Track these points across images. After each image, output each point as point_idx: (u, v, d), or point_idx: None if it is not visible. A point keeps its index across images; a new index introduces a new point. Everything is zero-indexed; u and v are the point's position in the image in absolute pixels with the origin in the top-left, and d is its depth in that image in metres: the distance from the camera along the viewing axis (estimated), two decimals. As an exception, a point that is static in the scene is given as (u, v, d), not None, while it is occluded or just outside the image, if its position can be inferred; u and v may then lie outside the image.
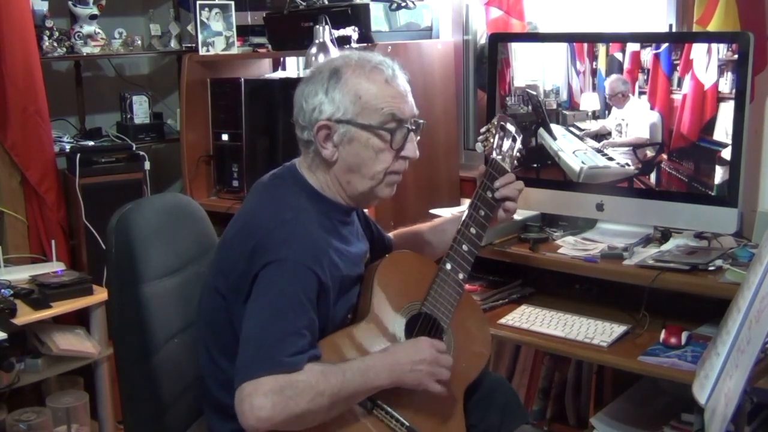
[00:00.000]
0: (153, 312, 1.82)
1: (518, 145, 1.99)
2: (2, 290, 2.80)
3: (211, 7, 3.24)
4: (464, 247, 1.84)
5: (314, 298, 1.62)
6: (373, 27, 2.80)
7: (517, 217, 2.52)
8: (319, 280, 1.63)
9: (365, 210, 1.99)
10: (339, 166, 1.74)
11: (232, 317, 1.68)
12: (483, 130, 1.96)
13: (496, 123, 1.96)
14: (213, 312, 1.74)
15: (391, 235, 2.10)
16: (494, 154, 1.92)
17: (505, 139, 1.95)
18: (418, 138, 1.79)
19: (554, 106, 2.47)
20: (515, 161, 1.98)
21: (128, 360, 1.82)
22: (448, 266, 1.83)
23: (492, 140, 1.93)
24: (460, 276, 1.83)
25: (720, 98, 2.17)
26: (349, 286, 1.77)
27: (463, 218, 1.88)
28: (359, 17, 2.79)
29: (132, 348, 1.81)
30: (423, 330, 1.80)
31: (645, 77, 2.29)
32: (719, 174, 2.19)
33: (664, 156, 2.28)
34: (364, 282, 1.81)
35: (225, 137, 3.31)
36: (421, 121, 1.79)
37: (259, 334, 1.56)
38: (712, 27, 2.30)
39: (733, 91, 2.14)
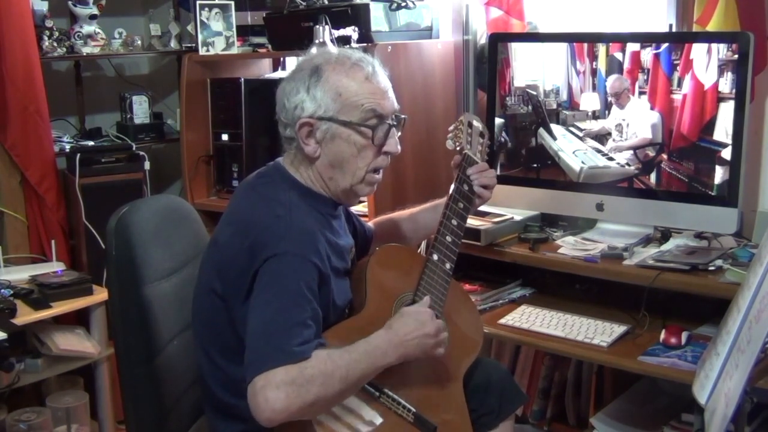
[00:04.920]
0: (155, 314, 1.82)
1: (486, 140, 2.09)
2: (2, 290, 2.80)
3: (211, 7, 3.23)
4: (448, 238, 1.91)
5: (316, 289, 1.64)
6: (373, 27, 2.80)
7: (517, 217, 2.54)
8: (319, 271, 1.65)
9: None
10: (321, 162, 1.76)
11: (232, 317, 1.68)
12: (451, 128, 2.03)
13: (464, 120, 2.04)
14: (210, 313, 1.74)
15: (371, 223, 2.14)
16: (466, 149, 2.00)
17: (473, 135, 2.04)
18: (400, 134, 1.83)
19: (554, 106, 2.48)
20: (485, 155, 2.07)
21: (131, 363, 1.81)
22: (435, 257, 1.89)
23: (462, 137, 2.01)
24: (447, 266, 1.89)
25: (720, 98, 2.17)
26: (340, 277, 1.79)
27: (444, 211, 1.94)
28: (359, 17, 2.78)
29: (135, 351, 1.81)
30: None
31: (645, 77, 2.29)
32: (719, 174, 2.19)
33: (664, 156, 2.28)
34: (356, 277, 1.85)
35: (225, 137, 3.32)
36: (403, 116, 1.83)
37: (266, 327, 1.57)
38: (711, 27, 2.29)
39: (733, 91, 2.14)
